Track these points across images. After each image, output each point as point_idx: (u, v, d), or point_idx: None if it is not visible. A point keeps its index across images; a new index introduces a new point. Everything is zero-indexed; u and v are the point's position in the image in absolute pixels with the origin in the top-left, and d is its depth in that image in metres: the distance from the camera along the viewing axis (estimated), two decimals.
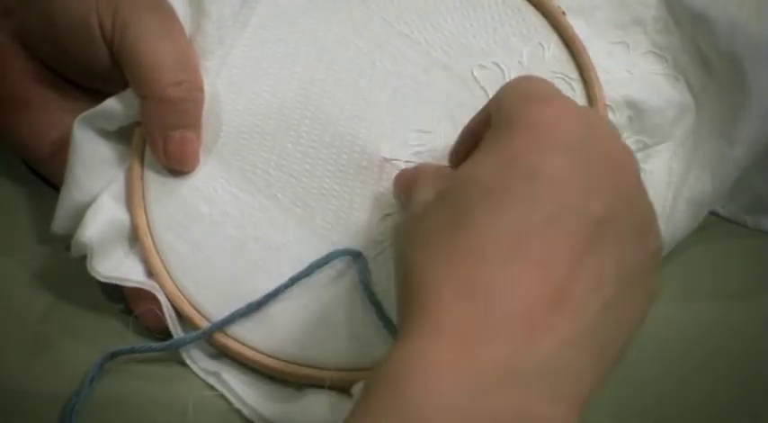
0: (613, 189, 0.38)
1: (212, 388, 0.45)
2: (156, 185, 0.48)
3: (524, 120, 0.38)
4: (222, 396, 0.45)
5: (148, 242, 0.47)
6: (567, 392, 0.34)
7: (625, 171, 0.39)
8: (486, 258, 0.35)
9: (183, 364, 0.46)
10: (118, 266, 0.47)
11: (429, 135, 0.49)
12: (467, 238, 0.36)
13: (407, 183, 0.44)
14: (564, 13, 0.52)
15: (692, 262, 0.51)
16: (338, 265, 0.46)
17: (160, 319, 0.46)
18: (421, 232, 0.38)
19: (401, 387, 0.32)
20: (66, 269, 0.48)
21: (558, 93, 0.41)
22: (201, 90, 0.48)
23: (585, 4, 0.53)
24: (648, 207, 0.39)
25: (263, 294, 0.46)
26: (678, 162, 0.51)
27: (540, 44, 0.51)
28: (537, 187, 0.37)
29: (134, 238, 0.48)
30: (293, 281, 0.46)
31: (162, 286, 0.46)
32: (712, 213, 0.52)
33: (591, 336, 0.35)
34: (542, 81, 0.41)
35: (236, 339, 0.45)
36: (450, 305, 0.34)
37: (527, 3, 0.52)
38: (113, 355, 0.46)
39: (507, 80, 0.50)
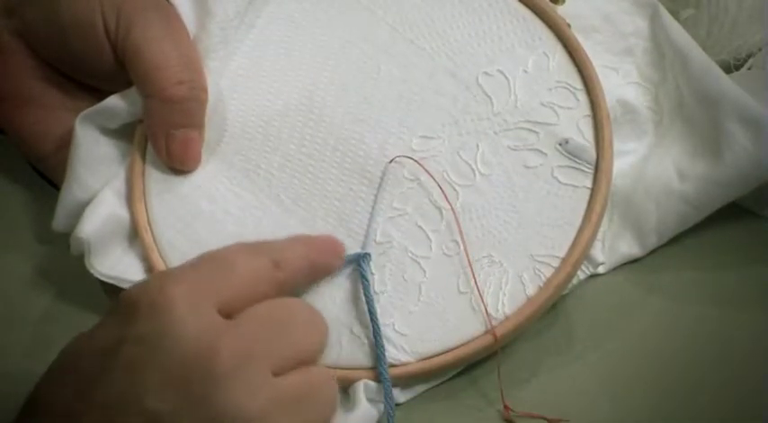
0: (183, 390, 0.36)
1: None
2: (158, 182, 0.48)
3: (122, 299, 0.38)
4: None
5: (149, 238, 0.47)
6: None
7: (201, 372, 0.37)
8: None
9: None
10: (116, 264, 0.46)
11: (433, 141, 0.49)
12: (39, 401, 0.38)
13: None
14: (569, 25, 0.52)
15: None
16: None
17: None
18: None
19: None
20: (66, 268, 0.47)
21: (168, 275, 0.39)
22: (205, 90, 0.48)
23: (586, 25, 0.54)
24: (228, 410, 0.37)
25: None
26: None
27: (545, 54, 0.51)
28: (105, 372, 0.37)
29: (133, 235, 0.48)
30: None
31: None
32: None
33: None
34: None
35: None
36: None
37: (533, 13, 0.52)
38: None
39: (512, 87, 0.50)
